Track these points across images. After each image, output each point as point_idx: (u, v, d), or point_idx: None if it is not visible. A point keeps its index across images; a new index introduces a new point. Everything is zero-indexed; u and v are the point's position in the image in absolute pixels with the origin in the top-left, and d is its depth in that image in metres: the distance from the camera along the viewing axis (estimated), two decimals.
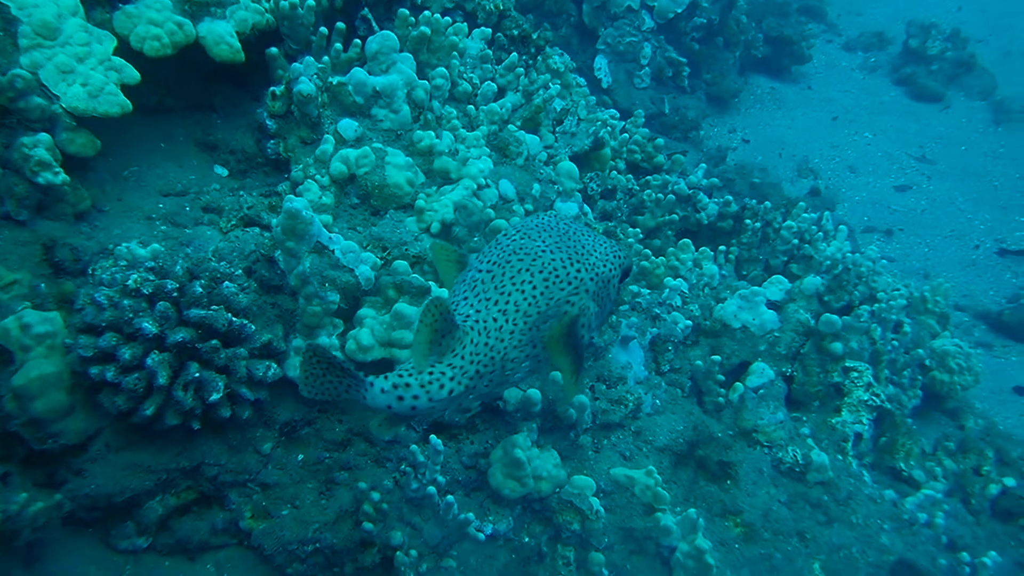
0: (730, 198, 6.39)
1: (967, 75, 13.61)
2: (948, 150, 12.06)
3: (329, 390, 2.52)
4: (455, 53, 5.13)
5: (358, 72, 4.58)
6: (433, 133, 4.72)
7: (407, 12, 4.89)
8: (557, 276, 2.72)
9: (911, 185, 11.22)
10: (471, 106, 5.10)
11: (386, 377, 2.55)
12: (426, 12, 5.01)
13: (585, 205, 5.60)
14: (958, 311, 8.66)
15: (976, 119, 12.99)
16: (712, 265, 5.67)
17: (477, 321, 2.64)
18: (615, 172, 6.14)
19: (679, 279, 5.40)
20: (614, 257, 2.91)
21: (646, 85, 10.01)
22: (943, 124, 12.74)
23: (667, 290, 5.26)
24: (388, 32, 4.66)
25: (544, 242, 2.80)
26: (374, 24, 5.03)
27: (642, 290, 5.19)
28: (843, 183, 11.01)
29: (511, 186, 4.86)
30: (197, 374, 3.52)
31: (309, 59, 4.59)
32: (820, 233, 6.27)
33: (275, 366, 3.83)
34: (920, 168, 11.60)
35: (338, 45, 4.66)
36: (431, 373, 2.57)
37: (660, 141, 6.80)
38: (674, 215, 6.16)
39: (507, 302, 2.66)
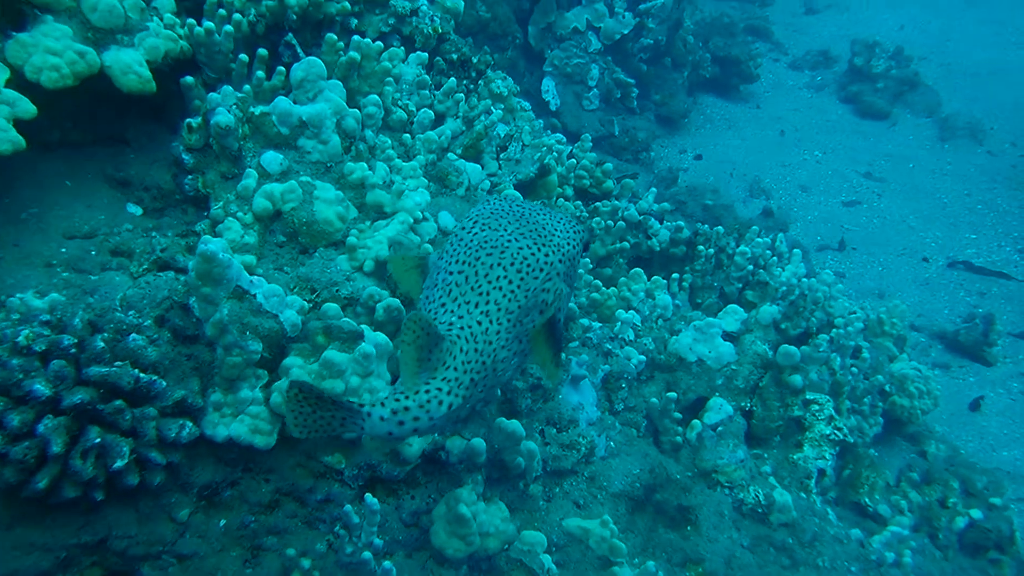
0: (682, 223, 6.19)
1: (912, 92, 13.74)
2: (897, 168, 12.10)
3: (323, 426, 2.43)
4: (389, 79, 4.85)
5: (282, 101, 4.27)
6: (365, 164, 4.42)
7: (335, 37, 4.59)
8: (529, 266, 2.65)
9: (862, 202, 11.20)
10: (407, 135, 4.82)
11: (383, 404, 2.47)
12: (356, 37, 4.72)
13: None
14: (914, 331, 8.57)
15: (923, 136, 13.10)
16: (665, 295, 5.43)
17: (463, 328, 2.53)
18: (562, 199, 5.89)
19: (631, 311, 5.18)
20: (574, 233, 2.90)
21: (595, 107, 9.86)
22: (891, 142, 12.81)
23: (619, 323, 5.03)
24: (315, 58, 4.36)
25: (506, 231, 2.72)
26: (299, 50, 4.73)
27: (593, 324, 4.93)
28: (795, 202, 10.96)
29: (451, 218, 4.58)
30: (98, 439, 3.16)
31: (227, 88, 4.27)
32: (775, 257, 6.10)
33: (190, 425, 3.47)
34: (870, 186, 11.61)
35: (260, 73, 4.35)
36: (427, 391, 2.49)
37: (609, 166, 6.58)
38: (625, 242, 5.93)
39: (487, 302, 2.57)
